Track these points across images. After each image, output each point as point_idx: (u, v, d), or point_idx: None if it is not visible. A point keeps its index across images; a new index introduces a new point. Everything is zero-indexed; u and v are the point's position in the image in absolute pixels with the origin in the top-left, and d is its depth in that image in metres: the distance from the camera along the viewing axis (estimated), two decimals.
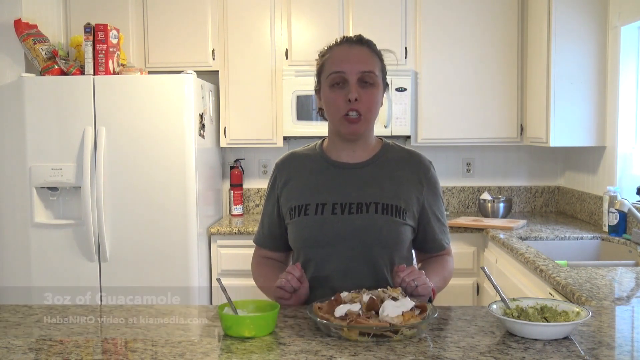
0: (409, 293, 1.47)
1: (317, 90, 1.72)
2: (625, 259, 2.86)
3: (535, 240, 3.13)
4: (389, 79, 3.74)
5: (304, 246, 1.67)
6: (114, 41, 3.47)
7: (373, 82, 1.61)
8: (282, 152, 4.15)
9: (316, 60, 1.72)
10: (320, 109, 1.72)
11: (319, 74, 1.68)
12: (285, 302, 1.55)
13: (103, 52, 3.41)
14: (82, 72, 3.44)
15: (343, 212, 1.62)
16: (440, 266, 1.74)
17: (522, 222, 3.51)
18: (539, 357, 1.20)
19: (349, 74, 1.59)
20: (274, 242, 1.79)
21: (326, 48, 1.70)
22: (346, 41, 1.66)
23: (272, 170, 1.80)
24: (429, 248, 1.76)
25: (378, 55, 1.66)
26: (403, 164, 1.71)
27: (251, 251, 4.16)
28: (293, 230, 1.68)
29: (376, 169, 1.69)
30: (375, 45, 1.68)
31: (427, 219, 1.71)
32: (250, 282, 4.04)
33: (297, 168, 1.74)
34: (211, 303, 3.64)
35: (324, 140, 1.78)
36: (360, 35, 1.69)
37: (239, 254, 3.57)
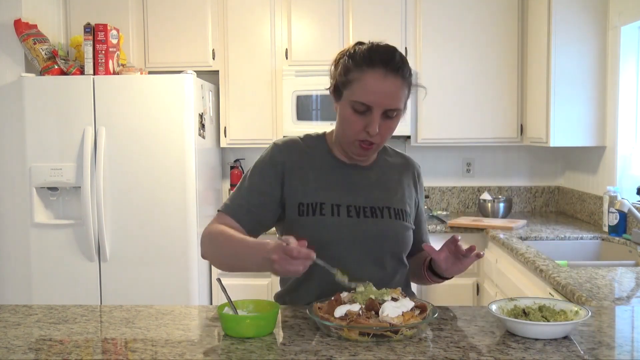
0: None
1: (332, 91, 1.63)
2: (625, 259, 2.86)
3: (535, 240, 3.13)
4: None
5: (318, 247, 1.58)
6: (114, 41, 3.47)
7: (395, 116, 1.56)
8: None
9: (340, 64, 1.59)
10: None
11: (342, 84, 1.57)
12: (283, 264, 1.35)
13: (103, 52, 3.41)
14: (82, 72, 3.44)
15: (358, 215, 1.61)
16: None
17: (522, 222, 3.51)
18: (539, 357, 1.20)
19: (375, 109, 1.52)
20: (246, 215, 1.62)
21: (351, 58, 1.56)
22: (382, 64, 1.52)
23: (269, 148, 1.68)
24: (418, 248, 1.76)
25: (408, 84, 1.57)
26: (400, 167, 1.76)
27: None
28: (305, 229, 1.61)
29: (380, 172, 1.70)
30: (409, 70, 1.58)
31: (419, 221, 1.79)
32: (250, 281, 4.04)
33: (303, 158, 1.66)
34: (211, 303, 3.64)
35: (325, 134, 1.72)
36: (396, 56, 1.56)
37: None
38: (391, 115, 1.55)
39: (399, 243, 1.66)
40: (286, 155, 1.65)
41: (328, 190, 1.63)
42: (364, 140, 1.56)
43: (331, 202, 1.61)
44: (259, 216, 1.64)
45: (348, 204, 1.61)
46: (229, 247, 1.54)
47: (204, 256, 1.65)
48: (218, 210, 1.66)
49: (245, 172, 1.71)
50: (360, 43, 1.61)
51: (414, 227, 1.72)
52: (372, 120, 1.53)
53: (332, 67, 1.65)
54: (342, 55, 1.63)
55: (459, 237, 1.56)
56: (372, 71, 1.53)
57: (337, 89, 1.60)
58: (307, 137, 1.72)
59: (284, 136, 4.02)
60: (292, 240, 1.35)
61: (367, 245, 1.61)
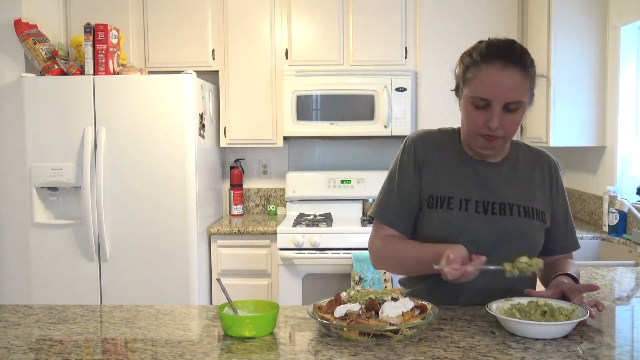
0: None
1: (455, 90, 1.65)
2: (625, 259, 2.86)
3: None
4: (388, 79, 3.64)
5: (444, 241, 1.59)
6: (114, 41, 3.47)
7: (517, 108, 1.55)
8: (282, 152, 4.18)
9: (462, 62, 1.62)
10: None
11: (463, 82, 1.59)
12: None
13: (103, 52, 3.41)
14: (82, 72, 3.44)
15: (486, 211, 1.60)
16: (564, 265, 1.63)
17: None
18: (539, 357, 1.20)
19: (495, 103, 1.51)
20: (404, 222, 1.67)
21: (470, 56, 1.58)
22: (499, 58, 1.52)
23: (405, 144, 1.70)
24: (553, 250, 1.70)
25: (530, 75, 1.56)
26: (534, 163, 1.70)
27: (251, 251, 4.11)
28: (432, 222, 1.62)
29: (511, 168, 1.67)
30: (530, 60, 1.57)
31: (556, 220, 1.69)
32: (250, 281, 4.02)
33: (436, 152, 1.67)
34: (211, 303, 3.64)
35: (459, 129, 1.71)
36: (514, 47, 1.56)
37: (239, 254, 3.57)
38: (513, 108, 1.53)
39: (526, 242, 1.60)
40: (420, 148, 1.67)
41: (458, 184, 1.63)
42: (486, 133, 1.55)
43: (460, 197, 1.61)
44: (413, 218, 1.67)
45: (477, 199, 1.60)
46: (407, 265, 1.67)
47: (377, 268, 1.79)
48: (373, 217, 1.73)
49: (389, 171, 1.73)
50: (481, 41, 1.62)
51: (547, 224, 1.65)
52: (492, 115, 1.52)
53: (457, 67, 1.67)
54: (464, 54, 1.65)
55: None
56: (489, 65, 1.53)
57: (458, 87, 1.62)
58: (442, 131, 1.73)
59: (284, 137, 3.96)
60: (454, 251, 1.44)
61: (494, 242, 1.58)
